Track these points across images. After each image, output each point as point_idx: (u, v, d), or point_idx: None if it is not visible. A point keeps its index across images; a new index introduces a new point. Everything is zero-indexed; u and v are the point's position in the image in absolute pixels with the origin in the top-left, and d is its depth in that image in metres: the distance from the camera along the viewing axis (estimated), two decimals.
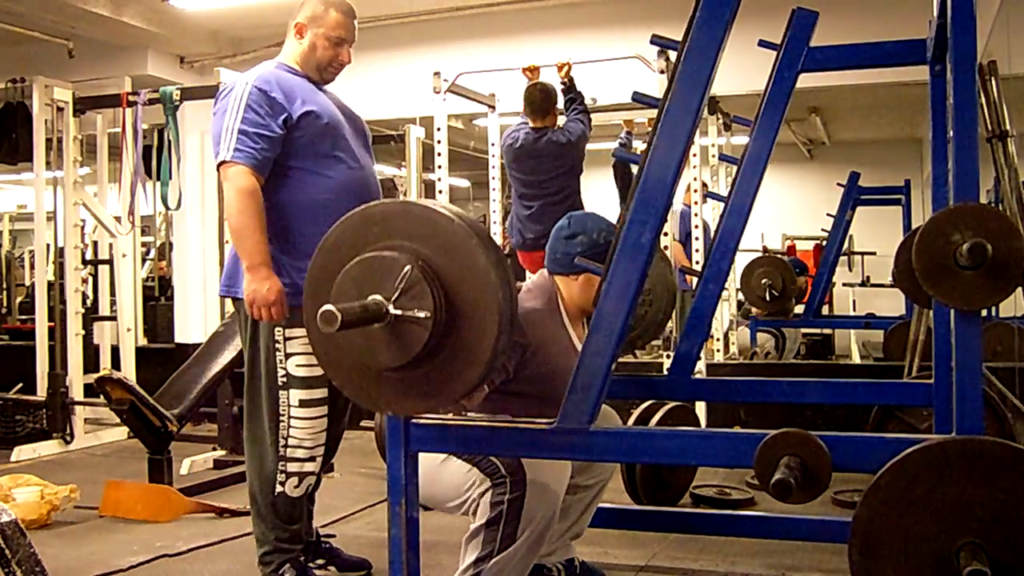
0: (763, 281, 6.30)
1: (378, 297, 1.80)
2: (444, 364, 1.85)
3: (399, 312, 1.79)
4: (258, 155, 2.49)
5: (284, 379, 2.57)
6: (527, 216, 4.78)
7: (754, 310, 6.94)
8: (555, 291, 2.45)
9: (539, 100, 4.63)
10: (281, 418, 2.57)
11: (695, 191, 5.75)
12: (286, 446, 2.57)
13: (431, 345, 1.81)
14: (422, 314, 1.78)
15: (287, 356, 2.56)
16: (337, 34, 2.64)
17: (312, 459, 2.60)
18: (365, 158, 2.73)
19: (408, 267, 1.79)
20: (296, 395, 2.57)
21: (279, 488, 2.58)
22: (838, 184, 6.94)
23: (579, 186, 4.84)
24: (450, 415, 2.22)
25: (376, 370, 1.88)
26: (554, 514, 2.25)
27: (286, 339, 2.56)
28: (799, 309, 7.56)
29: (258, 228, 2.48)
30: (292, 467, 2.58)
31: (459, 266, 1.82)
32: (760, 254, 7.51)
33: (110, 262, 5.87)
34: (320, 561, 2.86)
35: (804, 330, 7.53)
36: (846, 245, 7.83)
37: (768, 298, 6.30)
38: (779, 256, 6.48)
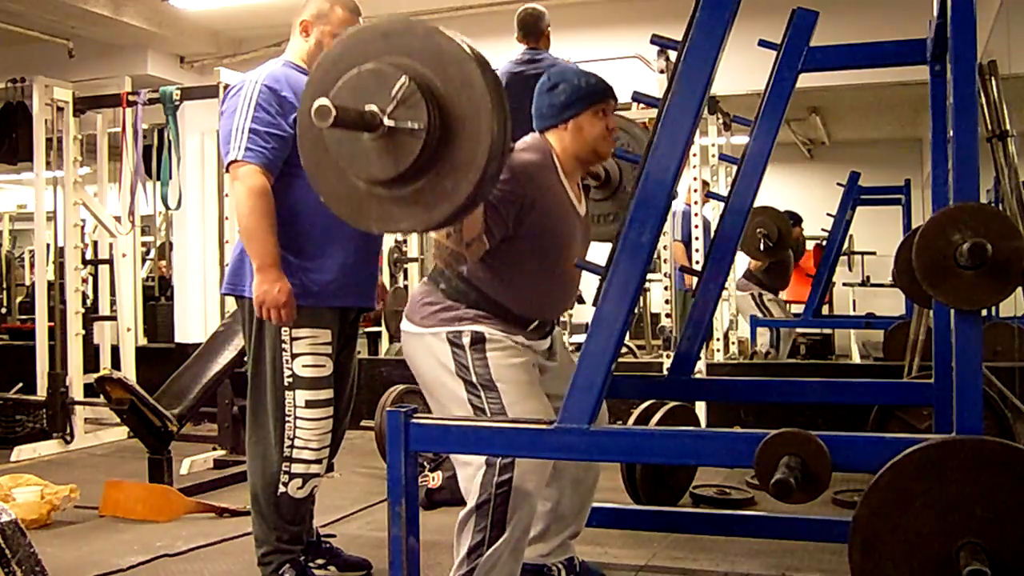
0: (758, 231, 6.21)
1: (373, 107, 1.81)
2: (435, 181, 1.86)
3: (393, 123, 1.80)
4: (269, 154, 2.47)
5: (290, 379, 2.56)
6: None
7: (752, 264, 6.91)
8: (548, 147, 2.42)
9: (531, 22, 4.37)
10: (287, 419, 2.56)
11: (695, 191, 5.74)
12: (292, 447, 2.56)
13: (423, 159, 1.82)
14: (416, 125, 1.79)
15: (293, 356, 2.56)
16: (343, 32, 2.63)
17: (319, 461, 2.60)
18: None
19: (404, 79, 1.80)
20: (302, 396, 2.56)
21: (282, 489, 2.57)
22: (838, 184, 6.94)
23: None
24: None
25: (367, 184, 1.90)
26: (537, 500, 2.28)
27: (293, 339, 2.55)
28: (799, 309, 7.56)
29: (269, 229, 2.46)
30: (298, 468, 2.57)
31: (456, 85, 1.83)
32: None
33: (110, 262, 5.88)
34: (320, 561, 2.85)
35: (804, 330, 7.52)
36: (846, 245, 7.83)
37: (763, 248, 6.23)
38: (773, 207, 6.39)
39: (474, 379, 2.27)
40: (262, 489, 2.60)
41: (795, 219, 7.14)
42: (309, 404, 2.56)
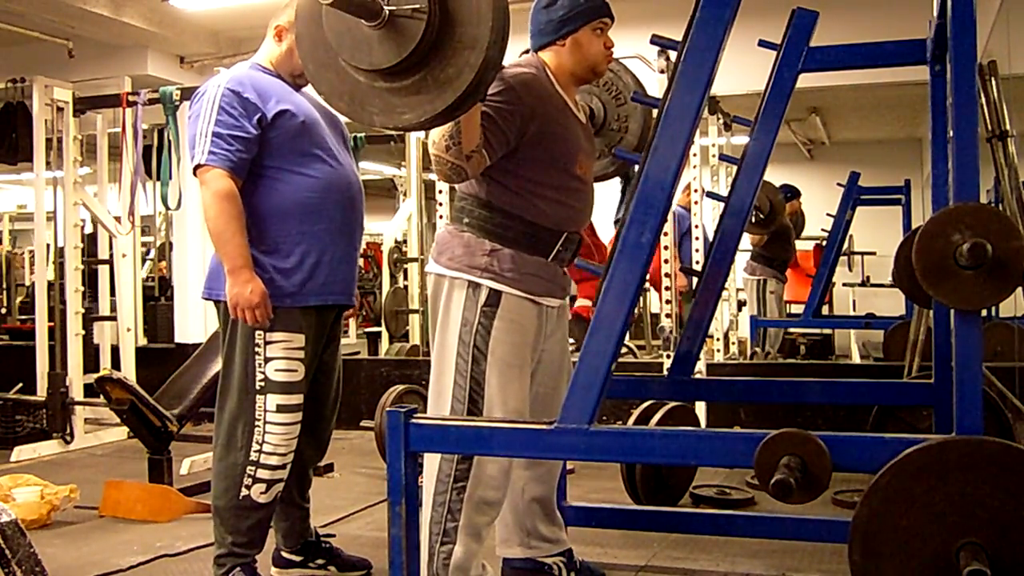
0: None
1: None
2: (437, 68, 1.86)
3: (394, 7, 1.82)
4: (233, 157, 2.47)
5: (263, 383, 2.55)
6: None
7: (752, 239, 6.90)
8: (542, 64, 2.41)
9: None
10: (256, 423, 2.55)
11: (695, 191, 5.73)
12: (260, 452, 2.54)
13: (425, 44, 1.83)
14: (417, 5, 1.81)
15: (267, 360, 2.54)
16: None
17: (284, 467, 2.58)
18: (345, 157, 2.72)
19: None
20: (274, 400, 2.54)
21: (244, 492, 2.55)
22: (838, 184, 6.94)
23: None
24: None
25: (368, 78, 1.90)
26: (496, 510, 2.33)
27: (267, 343, 2.54)
28: (799, 309, 7.56)
29: (238, 231, 2.47)
30: (263, 474, 2.55)
31: None
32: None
33: (110, 262, 5.87)
34: (320, 561, 2.85)
35: (804, 330, 7.52)
36: (846, 245, 7.83)
37: (755, 221, 6.22)
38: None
39: (469, 340, 2.29)
40: (225, 491, 2.57)
41: (791, 192, 7.13)
42: (280, 408, 2.55)
